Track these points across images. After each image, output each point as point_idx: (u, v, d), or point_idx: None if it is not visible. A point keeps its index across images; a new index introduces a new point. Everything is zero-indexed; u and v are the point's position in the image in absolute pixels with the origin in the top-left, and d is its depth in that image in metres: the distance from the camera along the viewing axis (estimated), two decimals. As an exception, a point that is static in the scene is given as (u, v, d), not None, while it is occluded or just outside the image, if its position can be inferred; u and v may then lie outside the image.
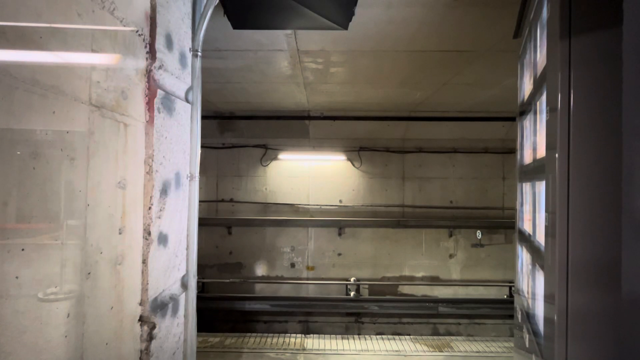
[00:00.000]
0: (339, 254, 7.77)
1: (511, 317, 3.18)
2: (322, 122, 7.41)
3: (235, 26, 2.94)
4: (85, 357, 1.59)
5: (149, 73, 2.03)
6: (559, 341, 1.52)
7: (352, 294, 7.28)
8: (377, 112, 7.10)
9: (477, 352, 4.49)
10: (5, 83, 1.20)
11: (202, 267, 7.52)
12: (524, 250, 2.60)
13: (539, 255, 1.98)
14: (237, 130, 7.68)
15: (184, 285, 2.49)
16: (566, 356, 1.51)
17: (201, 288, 7.42)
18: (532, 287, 2.21)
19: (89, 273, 1.61)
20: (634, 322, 0.79)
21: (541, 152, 1.92)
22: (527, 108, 2.50)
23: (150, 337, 2.06)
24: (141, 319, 2.01)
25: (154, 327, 2.08)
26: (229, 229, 7.77)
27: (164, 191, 2.21)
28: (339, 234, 7.76)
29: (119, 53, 1.79)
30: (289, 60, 4.54)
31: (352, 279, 7.50)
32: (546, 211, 1.74)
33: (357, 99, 6.35)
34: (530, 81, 2.36)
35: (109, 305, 1.76)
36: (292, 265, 7.80)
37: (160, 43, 2.13)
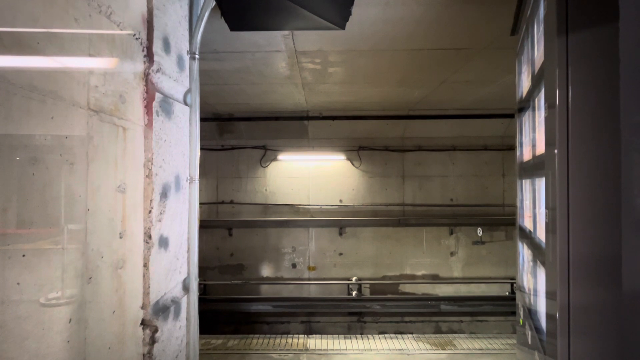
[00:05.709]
0: (340, 254, 7.77)
1: (513, 313, 3.18)
2: (321, 122, 7.41)
3: (233, 28, 2.93)
4: (88, 361, 1.59)
5: (146, 76, 2.03)
6: (561, 337, 1.52)
7: (354, 293, 7.28)
8: (375, 111, 7.10)
9: (479, 349, 4.49)
10: (3, 89, 1.20)
11: (204, 269, 7.52)
12: (525, 246, 2.60)
13: (539, 252, 1.98)
14: (236, 131, 7.68)
15: (186, 288, 2.48)
16: (569, 352, 1.51)
17: (203, 290, 7.42)
18: (534, 283, 2.21)
19: (90, 278, 1.61)
20: (635, 317, 0.80)
21: (540, 149, 1.92)
22: (525, 105, 2.50)
23: (153, 341, 2.06)
24: (143, 323, 2.01)
25: (156, 330, 2.08)
26: (229, 230, 7.77)
27: (164, 194, 2.21)
28: (340, 234, 7.76)
29: (116, 57, 1.79)
30: (287, 61, 4.54)
31: (353, 279, 7.50)
32: (546, 208, 1.74)
33: (356, 99, 6.35)
34: (529, 78, 2.36)
35: (111, 310, 1.76)
36: (294, 265, 7.80)
37: (157, 46, 2.13)
